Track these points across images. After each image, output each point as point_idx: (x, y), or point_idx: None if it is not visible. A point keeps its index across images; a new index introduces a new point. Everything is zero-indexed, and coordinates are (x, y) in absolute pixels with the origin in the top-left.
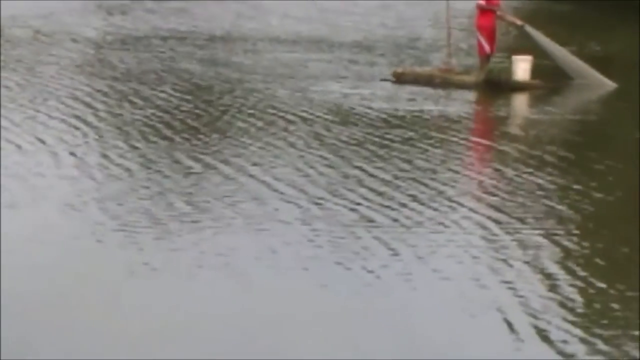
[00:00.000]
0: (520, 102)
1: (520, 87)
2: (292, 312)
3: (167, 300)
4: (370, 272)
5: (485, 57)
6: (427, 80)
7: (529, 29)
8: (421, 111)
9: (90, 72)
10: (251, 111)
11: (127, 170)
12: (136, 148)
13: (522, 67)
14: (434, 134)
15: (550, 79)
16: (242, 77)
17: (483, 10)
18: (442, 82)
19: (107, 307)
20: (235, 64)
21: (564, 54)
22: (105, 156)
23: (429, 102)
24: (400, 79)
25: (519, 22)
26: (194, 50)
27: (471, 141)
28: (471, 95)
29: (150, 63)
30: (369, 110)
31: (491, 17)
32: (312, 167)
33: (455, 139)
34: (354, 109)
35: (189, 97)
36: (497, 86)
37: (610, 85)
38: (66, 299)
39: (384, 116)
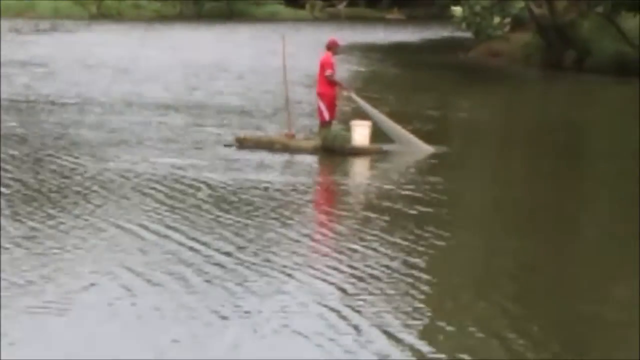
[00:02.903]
0: (355, 167)
1: (357, 152)
2: None
3: None
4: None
5: (325, 124)
6: (268, 146)
7: (355, 97)
8: (258, 180)
9: None
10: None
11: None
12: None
13: (359, 133)
14: (268, 202)
15: (389, 143)
16: (106, 141)
17: (325, 78)
18: (282, 147)
19: None
20: (117, 129)
21: (387, 121)
22: None
23: (267, 170)
24: (242, 144)
25: (346, 91)
26: (82, 117)
27: (308, 208)
28: (310, 161)
29: (39, 128)
30: (205, 179)
31: (333, 86)
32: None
33: (289, 207)
34: (192, 178)
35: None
36: (333, 152)
37: (429, 149)
38: None
39: (219, 185)
